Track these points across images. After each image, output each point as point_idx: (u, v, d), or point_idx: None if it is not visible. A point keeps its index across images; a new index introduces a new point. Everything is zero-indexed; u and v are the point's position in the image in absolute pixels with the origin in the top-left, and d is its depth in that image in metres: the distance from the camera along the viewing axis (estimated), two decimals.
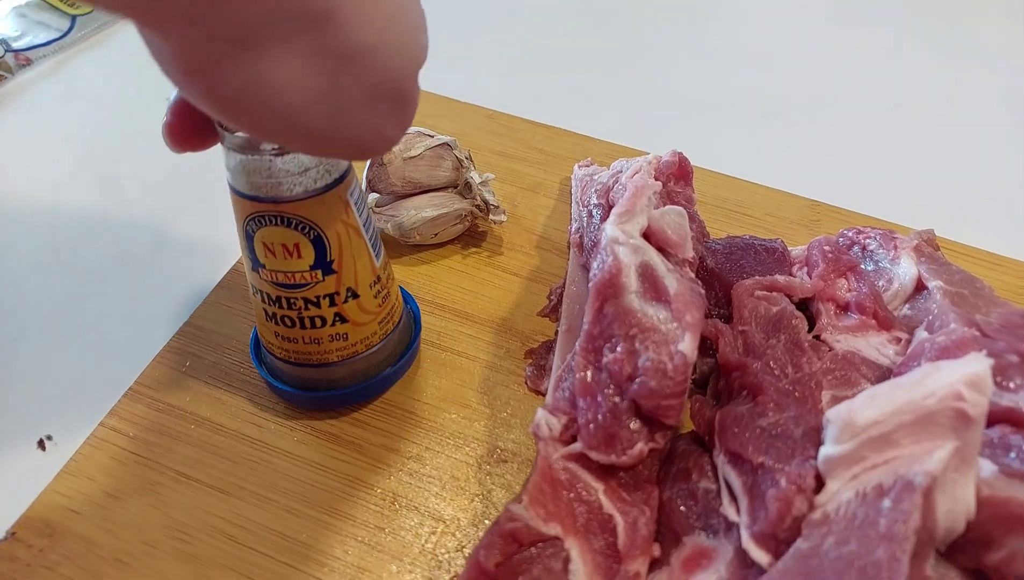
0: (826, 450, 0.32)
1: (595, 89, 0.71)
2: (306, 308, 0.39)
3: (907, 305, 0.46)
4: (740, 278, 0.46)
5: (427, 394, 0.45)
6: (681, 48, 0.76)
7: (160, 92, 0.67)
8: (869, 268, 0.49)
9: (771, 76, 0.73)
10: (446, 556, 0.38)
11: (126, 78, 0.70)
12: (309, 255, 0.38)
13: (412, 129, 0.54)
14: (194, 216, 0.56)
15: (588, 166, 0.57)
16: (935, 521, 0.30)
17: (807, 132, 0.67)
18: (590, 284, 0.38)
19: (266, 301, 0.40)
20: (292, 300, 0.39)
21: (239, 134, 0.35)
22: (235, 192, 0.37)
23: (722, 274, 0.47)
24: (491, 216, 0.52)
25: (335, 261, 0.39)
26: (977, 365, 0.30)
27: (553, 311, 0.50)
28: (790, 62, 0.75)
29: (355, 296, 0.40)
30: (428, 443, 0.43)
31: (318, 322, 0.40)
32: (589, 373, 0.37)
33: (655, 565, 0.35)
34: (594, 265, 0.39)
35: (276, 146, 0.35)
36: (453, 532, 0.39)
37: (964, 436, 0.30)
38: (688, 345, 0.35)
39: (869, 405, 0.31)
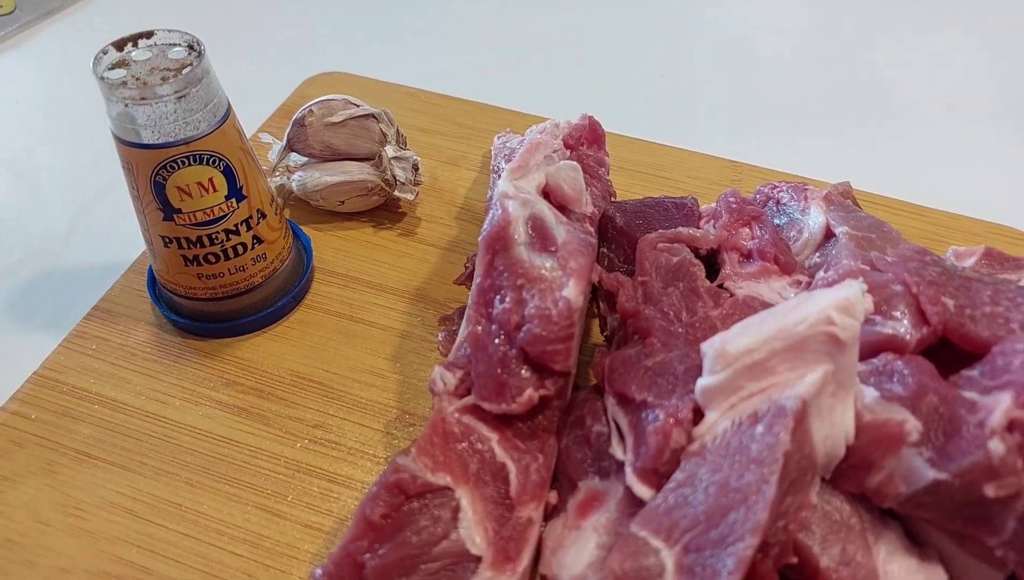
0: (702, 381, 0.31)
1: (519, 62, 0.71)
2: (227, 239, 0.42)
3: (817, 253, 0.47)
4: (647, 234, 0.46)
5: (336, 364, 0.45)
6: (608, 19, 0.76)
7: (76, 87, 0.67)
8: (783, 221, 0.50)
9: (697, 45, 0.73)
10: (349, 518, 0.38)
11: (40, 72, 0.69)
12: (223, 186, 0.40)
13: (340, 96, 0.53)
14: (106, 203, 0.56)
15: (505, 135, 0.57)
16: (812, 446, 0.30)
17: (732, 96, 0.68)
18: (479, 237, 0.38)
19: (185, 246, 0.41)
20: (214, 235, 0.41)
21: (134, 86, 0.36)
22: (139, 147, 0.38)
23: (631, 232, 0.47)
24: (396, 192, 0.51)
25: (243, 187, 0.41)
26: (848, 290, 0.31)
27: (468, 278, 0.49)
28: (713, 31, 0.75)
29: (263, 216, 0.43)
30: (335, 411, 0.42)
31: (240, 249, 0.43)
32: (480, 326, 0.37)
33: (554, 513, 0.35)
34: (486, 221, 0.39)
35: (177, 89, 0.37)
36: (357, 495, 0.39)
37: (838, 360, 0.30)
38: (572, 290, 0.35)
39: (742, 334, 0.31)
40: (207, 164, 0.39)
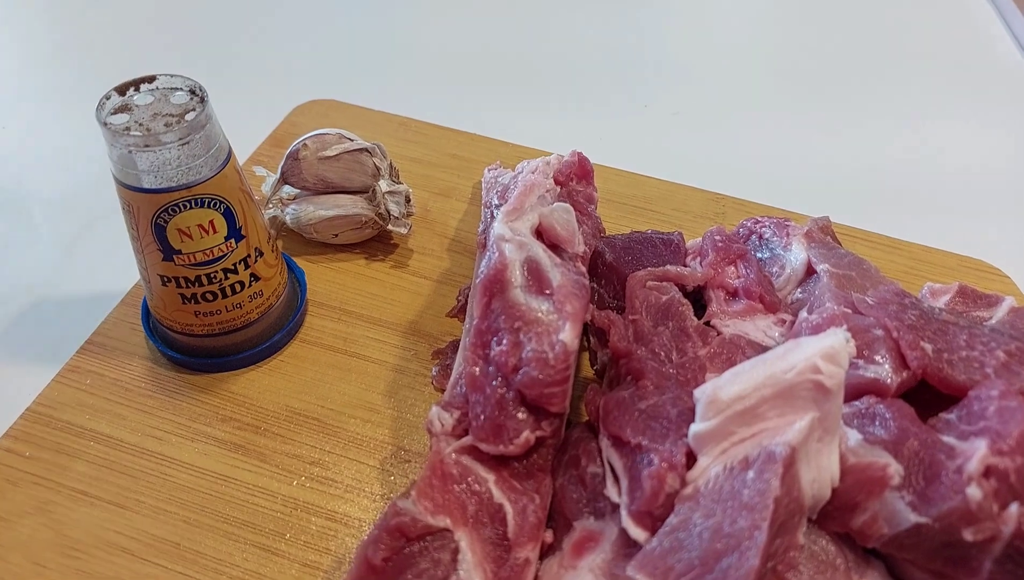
0: (695, 427, 0.33)
1: (508, 93, 0.72)
2: (225, 277, 0.43)
3: (799, 289, 0.48)
4: (636, 271, 0.47)
5: (332, 400, 0.45)
6: (594, 52, 0.78)
7: (65, 111, 0.67)
8: (765, 256, 0.51)
9: (681, 78, 0.75)
10: (347, 556, 0.38)
11: (29, 97, 0.69)
12: (223, 227, 0.41)
13: (334, 130, 0.54)
14: (96, 235, 0.56)
15: (496, 169, 0.58)
16: (800, 490, 0.31)
17: (714, 130, 0.69)
18: (477, 281, 0.39)
19: (183, 285, 0.42)
20: (212, 274, 0.42)
21: (138, 132, 0.37)
22: (140, 191, 0.39)
23: (620, 267, 0.48)
24: (390, 225, 0.52)
25: (243, 227, 0.42)
26: (833, 338, 0.32)
27: (461, 311, 0.50)
28: (697, 64, 0.77)
29: (260, 254, 0.44)
30: (331, 448, 0.43)
31: (237, 287, 0.43)
32: (478, 367, 0.38)
33: (548, 551, 0.36)
34: (482, 263, 0.40)
35: (181, 136, 0.38)
36: (355, 533, 0.39)
37: (823, 407, 0.32)
38: (568, 334, 0.36)
39: (733, 381, 0.32)
40: (208, 207, 0.40)
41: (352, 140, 0.54)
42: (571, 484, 0.37)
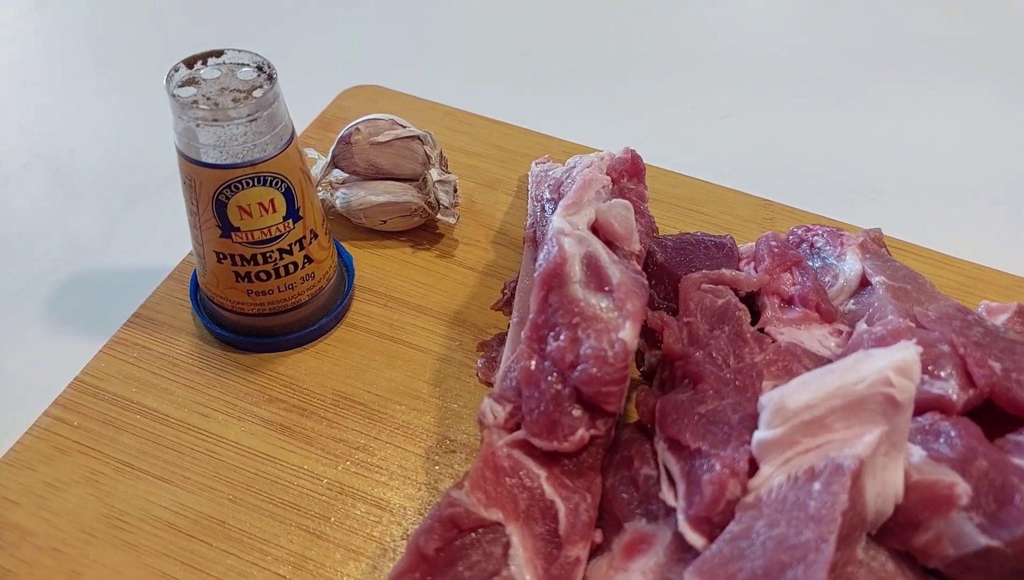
0: (759, 434, 0.32)
1: (555, 88, 0.72)
2: (280, 258, 0.42)
3: (852, 300, 0.47)
4: (689, 272, 0.46)
5: (378, 386, 0.45)
6: (643, 50, 0.77)
7: (117, 84, 0.67)
8: (816, 265, 0.50)
9: (729, 77, 0.74)
10: (391, 544, 0.38)
11: (82, 70, 0.70)
12: (282, 207, 0.41)
13: (387, 116, 0.54)
14: (145, 208, 0.56)
15: (544, 163, 0.58)
16: (864, 504, 0.31)
17: (764, 133, 0.69)
18: (536, 274, 0.39)
19: (238, 263, 0.42)
20: (268, 254, 0.42)
21: (206, 106, 0.37)
22: (204, 165, 0.39)
23: (671, 268, 0.47)
24: (439, 215, 0.52)
25: (301, 208, 0.42)
26: (906, 352, 0.31)
27: (507, 305, 0.50)
28: (748, 64, 0.76)
29: (315, 236, 0.44)
30: (377, 434, 0.43)
31: (291, 268, 0.43)
32: (533, 362, 0.37)
33: (597, 551, 0.35)
34: (540, 255, 0.40)
35: (249, 112, 0.37)
36: (399, 521, 0.39)
37: (893, 421, 0.31)
38: (628, 333, 0.36)
39: (801, 390, 0.32)
40: (270, 186, 0.40)
41: (405, 127, 0.53)
42: (623, 485, 0.36)
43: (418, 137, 0.53)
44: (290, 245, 0.42)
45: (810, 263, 0.51)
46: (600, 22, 0.81)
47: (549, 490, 0.35)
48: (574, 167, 0.50)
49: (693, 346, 0.41)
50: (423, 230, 0.55)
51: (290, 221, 0.42)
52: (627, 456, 0.37)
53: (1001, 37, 0.82)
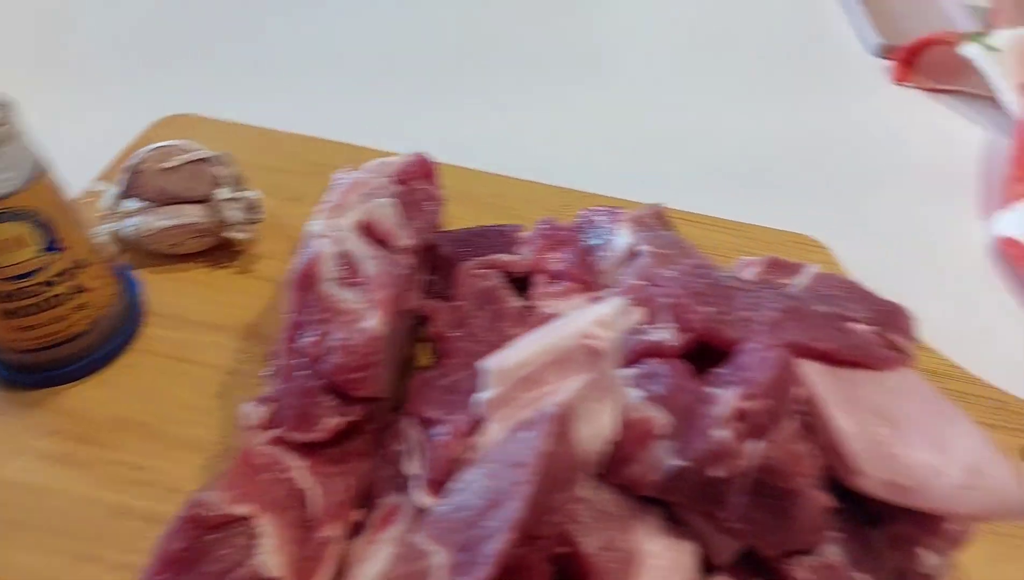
0: (480, 395, 0.34)
1: (372, 100, 0.74)
2: (45, 290, 0.42)
3: (625, 270, 0.50)
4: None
5: (163, 406, 0.45)
6: (446, 54, 0.81)
7: None
8: (598, 241, 0.53)
9: (533, 77, 0.78)
10: None
11: None
12: (36, 240, 0.41)
13: (175, 142, 0.54)
14: None
15: (347, 173, 0.59)
16: (573, 446, 0.33)
17: (563, 125, 0.72)
18: (285, 279, 0.40)
19: (2, 300, 0.41)
20: (28, 288, 0.42)
21: None
22: None
23: (454, 259, 0.49)
24: (229, 232, 0.53)
25: (63, 239, 0.42)
26: (606, 306, 0.34)
27: None
28: (546, 61, 0.80)
29: (84, 266, 0.44)
30: (156, 452, 0.43)
31: (59, 300, 0.43)
32: (287, 359, 0.38)
33: (359, 529, 0.37)
34: (296, 259, 0.41)
35: None
36: None
37: (598, 368, 0.34)
38: (375, 321, 0.38)
39: (517, 350, 0.34)
40: (18, 221, 0.40)
41: (193, 150, 0.54)
42: (381, 464, 0.38)
43: (206, 159, 0.54)
44: (52, 278, 0.42)
45: (593, 241, 0.54)
46: (402, 30, 0.84)
47: (306, 479, 0.36)
48: (363, 169, 0.52)
49: (461, 328, 0.43)
50: (223, 249, 0.56)
51: (50, 253, 0.41)
52: (385, 437, 0.39)
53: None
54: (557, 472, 0.32)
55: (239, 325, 0.51)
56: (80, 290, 0.44)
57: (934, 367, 0.53)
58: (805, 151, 0.72)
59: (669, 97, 0.77)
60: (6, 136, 0.39)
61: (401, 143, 0.66)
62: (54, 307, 0.43)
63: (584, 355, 0.33)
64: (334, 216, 0.43)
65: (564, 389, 0.33)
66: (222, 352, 0.49)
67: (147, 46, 0.79)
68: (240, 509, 0.34)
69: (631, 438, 0.33)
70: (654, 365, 0.36)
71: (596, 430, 0.33)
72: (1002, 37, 0.79)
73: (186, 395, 0.46)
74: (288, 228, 0.58)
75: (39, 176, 0.41)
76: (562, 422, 0.32)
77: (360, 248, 0.42)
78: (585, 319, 0.34)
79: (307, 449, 0.38)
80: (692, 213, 0.62)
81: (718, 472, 0.31)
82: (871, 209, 0.68)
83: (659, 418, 0.33)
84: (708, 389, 0.34)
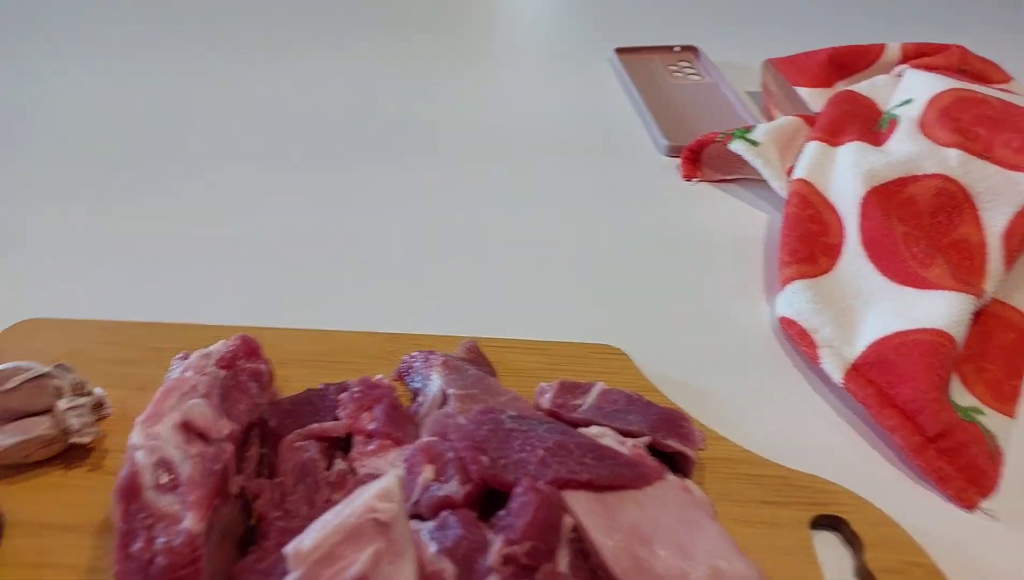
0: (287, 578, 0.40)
1: (190, 275, 0.79)
2: None
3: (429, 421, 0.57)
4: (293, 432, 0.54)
5: None
6: (248, 212, 0.88)
7: None
8: (418, 386, 0.61)
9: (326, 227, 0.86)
10: None
11: None
12: None
13: (9, 364, 0.59)
14: None
15: (184, 358, 0.65)
16: None
17: (380, 271, 0.80)
18: (112, 491, 0.45)
19: None
20: None
21: None
22: None
23: (282, 431, 0.55)
24: (74, 439, 0.57)
25: None
26: (386, 480, 0.41)
27: None
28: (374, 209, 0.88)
29: None
30: None
31: None
32: (122, 566, 0.43)
33: None
34: (119, 472, 0.46)
35: None
36: None
37: (388, 536, 0.40)
38: (190, 522, 0.43)
39: (310, 533, 0.40)
40: None
41: (29, 368, 0.59)
42: None
43: (46, 374, 0.59)
44: None
45: (415, 385, 0.61)
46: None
47: None
48: (184, 368, 0.58)
49: (284, 505, 0.48)
50: (74, 450, 0.60)
51: None
52: None
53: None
54: None
55: (94, 522, 0.55)
56: None
57: (725, 454, 0.60)
58: (605, 256, 0.82)
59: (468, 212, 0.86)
60: None
61: (235, 314, 0.72)
62: None
63: (371, 527, 0.40)
64: (151, 424, 0.49)
65: (358, 561, 0.39)
66: (80, 551, 0.53)
67: None
68: None
69: None
70: (446, 517, 0.43)
71: None
72: (761, 131, 0.92)
73: None
74: (135, 418, 0.63)
75: None
76: None
77: (176, 452, 0.47)
78: (368, 494, 0.40)
79: None
80: (506, 339, 0.70)
81: None
82: (670, 304, 0.77)
83: (448, 569, 0.40)
84: (489, 534, 0.41)
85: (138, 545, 0.43)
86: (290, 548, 0.40)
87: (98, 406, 0.60)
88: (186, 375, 0.53)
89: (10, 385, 0.58)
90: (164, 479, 0.46)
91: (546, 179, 0.94)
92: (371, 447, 0.53)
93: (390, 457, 0.52)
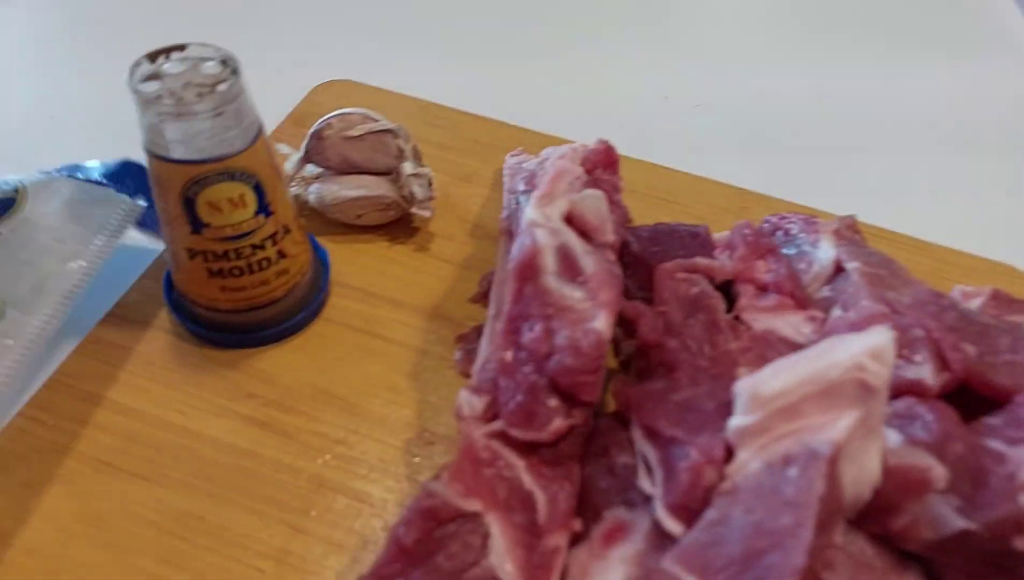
0: (734, 421, 0.32)
1: (530, 80, 0.72)
2: (253, 253, 0.42)
3: (827, 287, 0.48)
4: (663, 262, 0.46)
5: (356, 380, 0.45)
6: (616, 41, 0.77)
7: (88, 76, 0.66)
8: (791, 252, 0.51)
9: (704, 69, 0.75)
10: (372, 536, 0.38)
11: (54, 64, 0.69)
12: (252, 203, 0.40)
13: (359, 110, 0.54)
14: None
15: (518, 155, 0.58)
16: (841, 489, 0.31)
17: (738, 123, 0.69)
18: (509, 266, 0.39)
19: (210, 259, 0.41)
20: (240, 250, 0.41)
21: (170, 101, 0.36)
22: (171, 162, 0.38)
23: (646, 258, 0.47)
24: (414, 209, 0.52)
25: (271, 203, 0.41)
26: (879, 337, 0.32)
27: (484, 297, 0.50)
28: (722, 56, 0.77)
29: (288, 231, 0.43)
30: (356, 427, 0.43)
31: (264, 264, 0.43)
32: (509, 353, 0.37)
33: (576, 540, 0.36)
34: (514, 248, 0.40)
35: (214, 106, 0.37)
36: (379, 513, 0.39)
37: (868, 406, 0.32)
38: (602, 323, 0.36)
39: (775, 377, 0.32)
40: (239, 181, 0.39)
41: (377, 120, 0.53)
42: (600, 474, 0.37)
43: (391, 131, 0.53)
44: (262, 241, 0.42)
45: (785, 251, 0.51)
46: (575, 14, 0.81)
47: (528, 480, 0.35)
48: (547, 159, 0.51)
49: (668, 335, 0.41)
50: (398, 224, 0.55)
51: (261, 216, 0.41)
52: (604, 445, 0.37)
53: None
54: (824, 516, 0.30)
55: (421, 304, 0.50)
56: (283, 255, 0.44)
57: None
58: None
59: (829, 93, 0.73)
60: (232, 95, 0.38)
61: (558, 128, 0.64)
62: (259, 271, 0.43)
63: (854, 390, 0.31)
64: (545, 204, 0.42)
65: (832, 425, 0.31)
66: (407, 330, 0.48)
67: (304, 10, 0.78)
68: (470, 505, 0.34)
69: (898, 486, 0.31)
70: (913, 405, 0.34)
71: (861, 473, 0.31)
72: None
73: (377, 371, 0.45)
74: (460, 209, 0.57)
75: (258, 137, 0.40)
76: (834, 462, 0.30)
77: (576, 243, 0.40)
78: (854, 349, 0.32)
79: (524, 448, 0.37)
80: (882, 228, 0.58)
81: (1020, 544, 0.29)
82: None
83: (936, 468, 0.31)
84: (991, 443, 0.32)
85: (532, 335, 0.37)
86: (746, 387, 0.32)
87: (430, 184, 0.54)
88: (567, 164, 0.45)
89: (355, 133, 0.52)
90: (563, 268, 0.39)
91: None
92: (767, 302, 0.44)
93: (791, 319, 0.43)
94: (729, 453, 0.33)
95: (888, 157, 0.67)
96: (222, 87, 0.38)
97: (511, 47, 0.75)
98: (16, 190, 0.45)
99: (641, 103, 0.70)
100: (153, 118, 0.37)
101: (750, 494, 0.31)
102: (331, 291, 0.50)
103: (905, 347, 0.36)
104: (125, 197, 0.46)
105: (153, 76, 0.38)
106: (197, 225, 0.40)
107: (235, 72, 0.38)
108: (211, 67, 0.39)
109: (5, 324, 0.40)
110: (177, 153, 0.38)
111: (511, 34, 0.77)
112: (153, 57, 0.39)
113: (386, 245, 0.54)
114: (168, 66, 0.39)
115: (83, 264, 0.44)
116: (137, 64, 0.38)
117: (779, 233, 0.53)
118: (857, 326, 0.38)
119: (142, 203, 0.47)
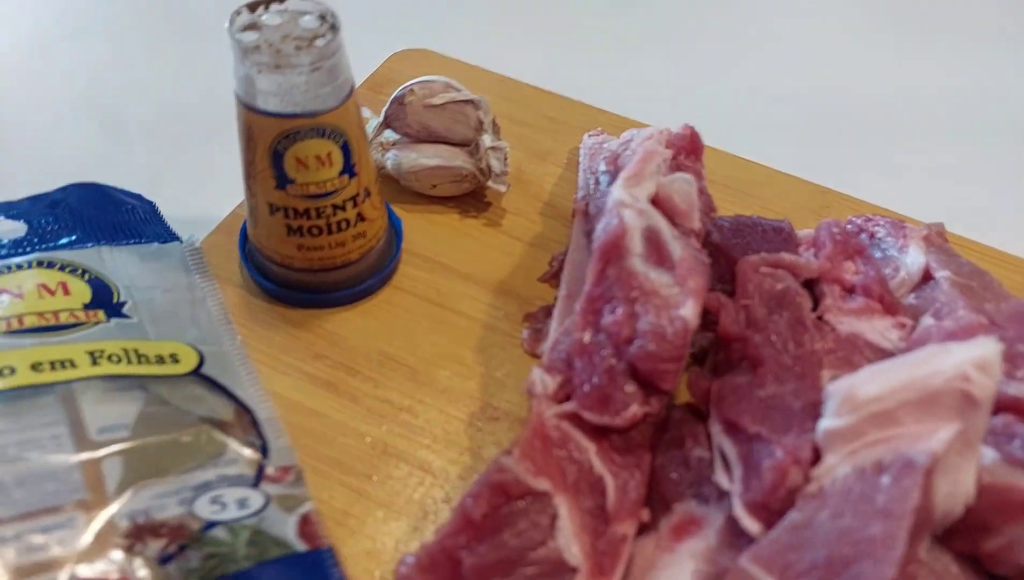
0: (825, 423, 0.31)
1: (610, 62, 0.70)
2: (334, 213, 0.41)
3: (913, 294, 0.46)
4: (745, 255, 0.45)
5: (423, 349, 0.44)
6: (700, 28, 0.75)
7: (168, 32, 0.66)
8: (876, 255, 0.49)
9: (788, 61, 0.72)
10: (433, 507, 0.38)
11: (132, 18, 0.69)
12: (339, 162, 0.40)
13: (441, 78, 0.53)
14: (194, 158, 0.56)
15: (598, 135, 0.57)
16: (933, 503, 0.30)
17: (821, 119, 0.67)
18: (594, 245, 0.38)
19: (291, 216, 0.41)
20: (321, 209, 0.41)
21: (268, 52, 0.36)
22: (264, 114, 0.38)
23: (728, 249, 0.46)
24: (490, 182, 0.51)
25: (357, 164, 0.41)
26: (986, 348, 0.30)
27: (554, 277, 0.49)
28: (807, 49, 0.74)
29: (368, 194, 0.43)
30: (421, 396, 0.42)
31: (343, 225, 0.42)
32: (587, 334, 0.36)
33: (644, 530, 0.35)
34: (599, 227, 0.39)
35: (313, 60, 0.36)
36: (441, 484, 0.39)
37: (969, 419, 0.30)
38: (690, 310, 0.35)
39: (872, 380, 0.31)
40: (328, 138, 0.39)
41: (459, 90, 0.52)
42: (673, 465, 0.36)
43: (472, 101, 0.52)
44: (344, 201, 0.42)
45: (875, 253, 0.49)
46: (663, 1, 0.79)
47: (598, 464, 0.35)
48: (631, 140, 0.49)
49: (751, 329, 0.39)
50: (471, 198, 0.54)
51: (346, 177, 0.41)
52: (678, 436, 0.36)
53: None
54: (916, 529, 0.28)
55: (491, 279, 0.49)
56: (361, 218, 0.43)
57: None
58: None
59: (921, 94, 0.70)
60: (331, 50, 0.38)
61: (635, 111, 0.62)
62: (338, 232, 0.43)
63: (956, 400, 0.30)
64: (633, 184, 0.41)
65: (930, 435, 0.29)
66: (475, 304, 0.47)
67: None
68: (540, 484, 0.33)
69: (995, 506, 0.30)
70: (1011, 423, 0.32)
71: (955, 488, 0.30)
72: None
73: (444, 342, 0.45)
74: (533, 186, 0.56)
75: (350, 95, 0.40)
76: (930, 474, 0.29)
77: (665, 227, 0.39)
78: (959, 358, 0.30)
79: (596, 432, 0.36)
80: (970, 240, 0.56)
81: None
82: None
83: None
84: None
85: (613, 317, 0.36)
86: (841, 388, 0.31)
87: (506, 159, 0.53)
88: (655, 146, 0.44)
89: (437, 101, 0.52)
90: (649, 251, 0.37)
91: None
92: (854, 304, 0.42)
93: (878, 324, 0.42)
94: (816, 455, 0.32)
95: (975, 163, 0.64)
96: (320, 42, 0.37)
97: (593, 28, 0.74)
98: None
99: (722, 93, 0.68)
100: (249, 68, 0.37)
101: (838, 499, 0.29)
102: (402, 259, 0.49)
103: (1007, 361, 0.34)
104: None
105: (251, 26, 0.38)
106: (283, 180, 0.40)
107: (334, 28, 0.38)
108: (310, 21, 0.38)
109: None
110: (270, 105, 0.38)
111: (592, 14, 0.76)
112: (253, 7, 0.38)
113: (457, 217, 0.53)
114: (267, 18, 0.38)
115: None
116: (237, 13, 0.38)
117: (864, 235, 0.51)
118: (955, 335, 0.36)
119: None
